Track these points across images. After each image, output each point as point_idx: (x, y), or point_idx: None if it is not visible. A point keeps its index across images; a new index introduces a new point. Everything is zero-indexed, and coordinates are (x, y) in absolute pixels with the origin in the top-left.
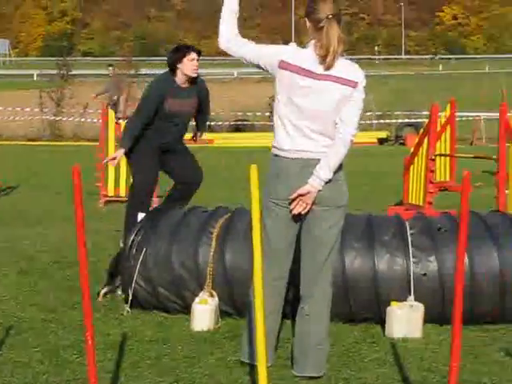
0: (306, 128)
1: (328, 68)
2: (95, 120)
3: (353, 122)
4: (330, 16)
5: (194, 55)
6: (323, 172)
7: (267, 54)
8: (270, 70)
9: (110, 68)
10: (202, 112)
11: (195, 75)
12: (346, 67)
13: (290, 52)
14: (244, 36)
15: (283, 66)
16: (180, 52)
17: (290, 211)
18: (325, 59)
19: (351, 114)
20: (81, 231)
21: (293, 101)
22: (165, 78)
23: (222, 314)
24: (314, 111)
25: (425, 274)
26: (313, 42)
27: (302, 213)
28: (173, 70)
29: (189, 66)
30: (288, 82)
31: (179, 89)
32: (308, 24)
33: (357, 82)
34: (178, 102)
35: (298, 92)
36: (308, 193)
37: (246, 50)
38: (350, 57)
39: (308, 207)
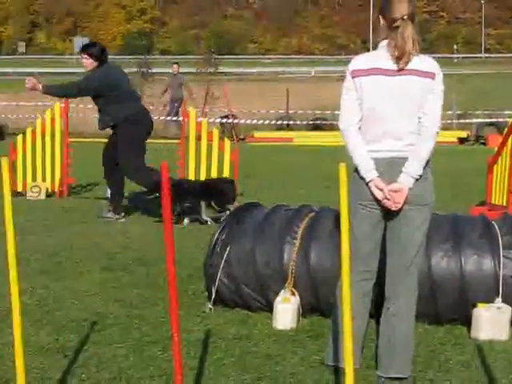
0: (391, 127)
1: (404, 66)
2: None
3: (437, 114)
4: (406, 17)
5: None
6: (413, 169)
7: (354, 97)
8: (360, 95)
9: (175, 66)
10: None
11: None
12: (420, 60)
13: (361, 60)
14: (321, 34)
15: (357, 74)
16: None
17: (379, 212)
18: (399, 60)
19: (434, 106)
20: (169, 229)
21: (376, 102)
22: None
23: (305, 312)
24: (398, 109)
25: None
26: (386, 41)
27: (393, 213)
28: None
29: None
30: (368, 84)
31: None
32: (382, 22)
33: (434, 73)
34: None
35: (380, 92)
36: (399, 191)
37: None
38: (429, 55)
39: (399, 206)
